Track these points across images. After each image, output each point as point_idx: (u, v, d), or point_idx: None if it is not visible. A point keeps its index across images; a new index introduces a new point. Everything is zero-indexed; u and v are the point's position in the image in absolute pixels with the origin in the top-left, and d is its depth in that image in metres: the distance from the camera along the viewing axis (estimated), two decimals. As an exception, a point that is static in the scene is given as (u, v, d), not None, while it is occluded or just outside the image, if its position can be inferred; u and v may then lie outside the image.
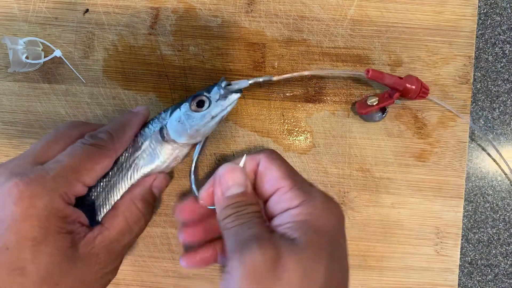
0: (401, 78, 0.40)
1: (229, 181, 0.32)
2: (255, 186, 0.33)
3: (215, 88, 0.36)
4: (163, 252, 0.43)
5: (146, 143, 0.36)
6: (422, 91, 0.40)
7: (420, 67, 0.43)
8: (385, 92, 0.41)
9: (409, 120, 0.43)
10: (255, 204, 0.31)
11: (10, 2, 0.43)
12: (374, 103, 0.40)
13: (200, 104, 0.36)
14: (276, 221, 0.30)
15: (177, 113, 0.36)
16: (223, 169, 0.33)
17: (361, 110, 0.41)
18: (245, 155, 0.34)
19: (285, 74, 0.39)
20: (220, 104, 0.36)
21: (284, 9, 0.44)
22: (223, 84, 0.36)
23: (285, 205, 0.30)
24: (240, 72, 0.44)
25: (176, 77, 0.43)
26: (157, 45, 0.44)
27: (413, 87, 0.39)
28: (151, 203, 0.35)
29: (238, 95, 0.36)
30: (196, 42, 0.44)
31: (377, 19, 0.44)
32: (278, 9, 0.44)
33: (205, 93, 0.36)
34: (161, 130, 0.36)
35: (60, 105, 0.43)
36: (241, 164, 0.33)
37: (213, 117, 0.36)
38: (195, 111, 0.35)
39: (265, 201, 0.33)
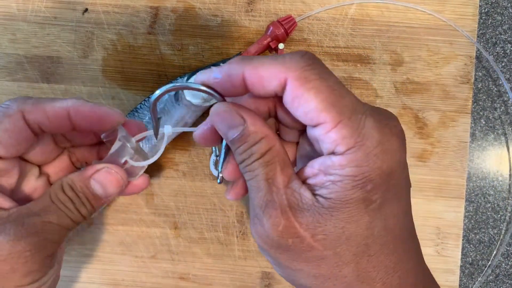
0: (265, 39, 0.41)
1: (221, 127, 0.25)
2: (278, 114, 0.27)
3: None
4: (162, 253, 0.43)
5: (161, 106, 0.40)
6: (288, 25, 0.41)
7: (421, 66, 0.43)
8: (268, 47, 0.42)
9: (409, 120, 0.43)
10: (260, 140, 0.24)
11: (9, 2, 0.43)
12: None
13: None
14: (315, 164, 0.24)
15: (194, 78, 0.38)
16: (210, 117, 0.26)
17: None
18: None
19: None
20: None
21: (284, 8, 0.43)
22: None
23: (330, 146, 0.23)
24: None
25: (176, 77, 0.43)
26: (156, 45, 0.43)
27: (280, 31, 0.40)
28: (87, 196, 0.28)
29: None
30: (195, 42, 0.43)
31: (378, 18, 0.43)
32: (278, 8, 0.44)
33: (221, 64, 0.37)
34: (176, 93, 0.39)
35: (59, 105, 0.43)
36: (212, 76, 0.26)
37: None
38: None
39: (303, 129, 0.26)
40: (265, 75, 0.23)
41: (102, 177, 0.28)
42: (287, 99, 0.24)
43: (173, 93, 0.40)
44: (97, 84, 0.43)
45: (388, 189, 0.23)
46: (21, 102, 0.28)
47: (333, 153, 0.23)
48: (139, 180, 0.31)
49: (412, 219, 0.26)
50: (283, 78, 0.23)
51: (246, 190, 0.28)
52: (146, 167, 0.31)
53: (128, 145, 0.29)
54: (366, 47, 0.43)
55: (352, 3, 0.43)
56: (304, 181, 0.25)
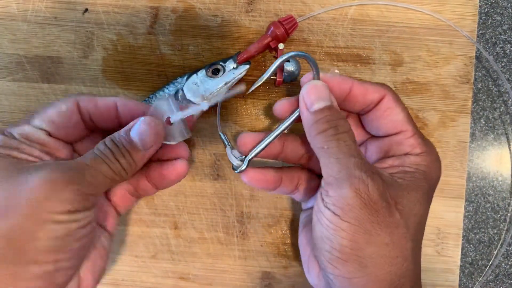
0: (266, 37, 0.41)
1: (312, 96, 0.30)
2: (366, 117, 0.34)
3: (230, 59, 0.41)
4: (162, 252, 0.43)
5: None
6: (289, 25, 0.41)
7: (421, 66, 0.43)
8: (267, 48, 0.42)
9: (409, 120, 0.43)
10: (343, 118, 0.30)
11: (9, 2, 0.43)
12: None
13: (215, 72, 0.40)
14: (389, 161, 0.32)
15: (194, 77, 0.41)
16: (305, 87, 0.31)
17: (280, 80, 0.41)
18: (336, 71, 0.36)
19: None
20: (233, 73, 0.40)
21: (284, 8, 0.44)
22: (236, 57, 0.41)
23: (407, 149, 0.32)
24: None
25: (176, 77, 0.43)
26: (156, 45, 0.43)
27: (281, 31, 0.40)
28: (125, 146, 0.29)
29: (247, 66, 0.41)
30: (195, 42, 0.43)
31: (378, 18, 0.43)
32: (278, 8, 0.44)
33: (221, 63, 0.41)
34: (176, 93, 0.40)
35: (59, 105, 0.43)
36: (329, 76, 0.33)
37: (226, 83, 0.40)
38: (210, 77, 0.40)
39: (376, 136, 0.34)
40: (370, 89, 0.32)
41: (140, 128, 0.29)
42: (381, 108, 0.32)
43: (173, 92, 0.40)
44: (97, 84, 0.43)
45: (434, 192, 0.33)
46: (78, 94, 0.32)
47: (408, 154, 0.32)
48: (179, 165, 0.33)
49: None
50: (383, 93, 0.32)
51: (265, 178, 0.34)
52: (186, 136, 0.33)
53: (172, 103, 0.31)
54: (366, 47, 0.43)
55: (352, 4, 0.43)
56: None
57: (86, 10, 0.44)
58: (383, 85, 0.33)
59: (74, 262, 0.27)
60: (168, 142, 0.32)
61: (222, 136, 0.37)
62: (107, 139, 0.29)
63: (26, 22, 0.43)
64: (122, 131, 0.30)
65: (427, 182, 0.31)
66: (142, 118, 0.30)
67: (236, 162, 0.34)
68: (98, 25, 0.43)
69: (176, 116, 0.31)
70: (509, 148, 0.46)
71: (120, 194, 0.34)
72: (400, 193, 0.29)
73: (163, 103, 0.32)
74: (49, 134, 0.30)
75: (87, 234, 0.28)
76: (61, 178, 0.26)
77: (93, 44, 0.43)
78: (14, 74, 0.43)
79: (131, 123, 0.30)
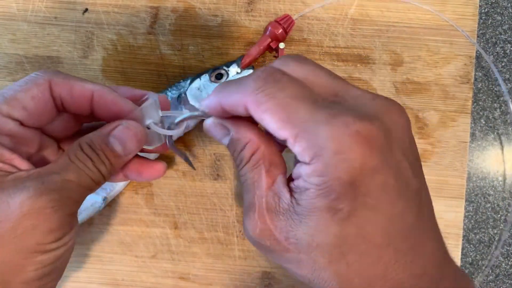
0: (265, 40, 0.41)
1: (216, 137, 0.28)
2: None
3: (234, 64, 0.40)
4: (162, 252, 0.43)
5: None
6: (287, 24, 0.41)
7: (421, 66, 0.43)
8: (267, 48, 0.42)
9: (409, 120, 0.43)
10: (244, 146, 0.26)
11: (9, 2, 0.43)
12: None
13: (219, 77, 0.40)
14: (294, 174, 0.25)
15: (197, 82, 0.40)
16: (206, 131, 0.28)
17: None
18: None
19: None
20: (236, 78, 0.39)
21: (284, 8, 0.43)
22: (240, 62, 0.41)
23: (298, 157, 0.24)
24: (240, 71, 0.43)
25: (176, 77, 0.43)
26: (156, 45, 0.43)
27: (279, 31, 0.40)
28: (105, 153, 0.27)
29: (251, 70, 0.40)
30: (195, 42, 0.43)
31: (378, 18, 0.43)
32: (278, 8, 0.44)
33: (224, 67, 0.40)
34: (179, 96, 0.40)
35: (59, 105, 0.43)
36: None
37: None
38: (214, 82, 0.40)
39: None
40: (233, 103, 0.25)
41: (121, 133, 0.28)
42: (254, 118, 0.24)
43: (176, 95, 0.40)
44: (97, 84, 0.43)
45: (356, 198, 0.22)
46: (51, 73, 0.28)
47: (300, 163, 0.23)
48: (158, 166, 0.32)
49: (421, 221, 0.24)
50: (243, 105, 0.24)
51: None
52: (163, 140, 0.31)
53: (155, 108, 0.29)
54: (366, 47, 0.43)
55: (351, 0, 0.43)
56: (291, 181, 0.25)
57: (86, 10, 0.44)
58: (242, 85, 0.25)
59: (58, 276, 0.27)
60: (145, 146, 0.31)
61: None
62: (84, 145, 0.27)
63: (26, 22, 0.43)
64: (100, 135, 0.28)
65: (325, 198, 0.22)
66: (124, 122, 0.28)
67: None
68: (98, 25, 0.43)
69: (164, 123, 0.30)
70: (504, 148, 0.46)
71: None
72: (293, 223, 0.23)
73: (150, 107, 0.30)
74: (21, 123, 0.27)
75: (71, 251, 0.27)
76: (47, 204, 0.24)
77: (93, 44, 0.43)
78: (14, 74, 0.43)
79: (110, 126, 0.28)
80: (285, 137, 0.23)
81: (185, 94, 0.40)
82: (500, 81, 0.45)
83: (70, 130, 0.32)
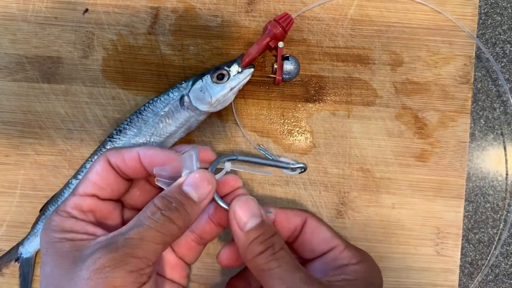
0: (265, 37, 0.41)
1: (244, 215, 0.30)
2: (296, 243, 0.35)
3: (235, 64, 0.40)
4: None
5: (166, 109, 0.40)
6: (286, 23, 0.41)
7: (421, 66, 0.43)
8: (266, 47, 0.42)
9: (409, 120, 0.43)
10: (275, 234, 0.30)
11: (9, 2, 0.43)
12: (275, 65, 0.41)
13: (220, 77, 0.40)
14: (330, 272, 0.33)
15: (200, 83, 0.40)
16: (236, 203, 0.30)
17: (279, 78, 0.41)
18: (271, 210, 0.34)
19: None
20: (237, 78, 0.40)
21: (284, 8, 0.44)
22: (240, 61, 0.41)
23: (344, 261, 0.33)
24: (240, 72, 0.43)
25: (176, 77, 0.43)
26: (156, 45, 0.43)
27: (278, 30, 0.40)
28: (179, 201, 0.29)
29: (252, 69, 0.40)
30: (196, 42, 0.43)
31: (377, 18, 0.44)
32: (278, 9, 0.44)
33: (225, 67, 0.40)
34: (181, 98, 0.40)
35: (60, 105, 0.43)
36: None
37: (231, 89, 0.40)
38: (216, 83, 0.40)
39: (318, 256, 0.35)
40: (291, 214, 0.34)
41: (194, 179, 0.29)
42: (307, 231, 0.34)
43: (178, 97, 0.40)
44: (97, 84, 0.43)
45: None
46: (107, 152, 0.32)
47: (346, 265, 0.33)
48: (232, 181, 0.34)
49: None
50: (304, 216, 0.34)
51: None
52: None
53: (195, 157, 0.31)
54: (365, 47, 0.43)
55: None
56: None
57: (86, 10, 0.44)
58: (301, 210, 0.35)
59: None
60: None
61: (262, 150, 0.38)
62: (157, 198, 0.29)
63: (26, 22, 0.43)
64: (174, 186, 0.30)
65: (367, 286, 0.32)
66: (196, 172, 0.30)
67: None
68: (98, 25, 0.43)
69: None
70: (506, 148, 0.46)
71: (185, 245, 0.33)
72: None
73: (188, 158, 0.31)
74: (98, 197, 0.31)
75: None
76: (105, 263, 0.26)
77: (93, 44, 0.43)
78: (14, 74, 0.43)
79: (181, 179, 0.30)
80: (337, 244, 0.34)
81: (188, 96, 0.40)
82: (500, 76, 0.45)
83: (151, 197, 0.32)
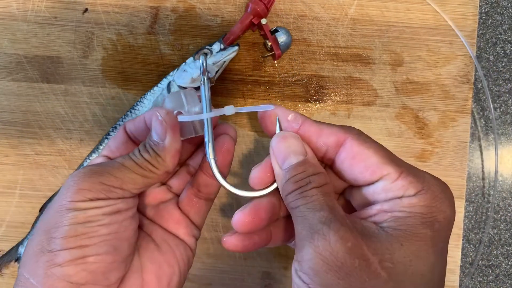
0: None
1: (283, 151, 0.28)
2: (335, 168, 0.29)
3: (217, 42, 0.41)
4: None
5: (155, 99, 0.41)
6: (267, 1, 0.41)
7: (421, 66, 0.43)
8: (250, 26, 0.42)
9: (410, 120, 0.43)
10: (318, 173, 0.27)
11: (9, 2, 0.43)
12: (268, 42, 0.41)
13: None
14: (377, 206, 0.26)
15: (183, 65, 0.41)
16: (275, 139, 0.28)
17: (279, 52, 0.41)
18: (292, 114, 0.29)
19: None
20: (220, 54, 0.41)
21: (284, 8, 0.43)
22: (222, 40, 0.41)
23: (398, 193, 0.26)
24: (240, 71, 0.43)
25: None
26: (156, 45, 0.43)
27: (261, 7, 0.41)
28: (148, 144, 0.30)
29: (236, 47, 0.41)
30: (195, 42, 0.43)
31: (378, 18, 0.43)
32: (278, 8, 0.44)
33: (207, 47, 0.41)
34: (168, 85, 0.41)
35: (59, 105, 0.43)
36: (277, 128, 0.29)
37: (214, 63, 0.40)
38: (197, 59, 0.40)
39: (356, 186, 0.29)
40: (326, 130, 0.28)
41: (152, 123, 0.30)
42: (346, 156, 0.27)
43: (165, 87, 0.41)
44: (97, 84, 0.43)
45: (447, 238, 0.26)
46: (127, 122, 0.33)
47: (400, 198, 0.25)
48: (224, 141, 0.32)
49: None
50: (342, 137, 0.27)
51: (251, 243, 0.30)
52: (200, 132, 0.32)
53: (184, 98, 0.31)
54: (366, 47, 0.43)
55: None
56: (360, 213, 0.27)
57: (86, 10, 0.43)
58: (345, 127, 0.28)
59: (107, 249, 0.27)
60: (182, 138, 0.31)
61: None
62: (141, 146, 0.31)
63: (26, 22, 0.43)
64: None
65: (430, 227, 0.24)
66: (154, 112, 0.30)
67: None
68: (98, 25, 0.43)
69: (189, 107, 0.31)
70: (502, 149, 0.46)
71: (187, 198, 0.33)
72: (389, 246, 0.23)
73: (175, 97, 0.31)
74: (108, 157, 0.32)
75: (116, 221, 0.28)
76: (85, 173, 0.28)
77: (93, 44, 0.43)
78: (14, 74, 0.43)
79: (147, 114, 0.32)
80: (388, 171, 0.26)
81: (174, 80, 0.41)
82: (485, 87, 0.45)
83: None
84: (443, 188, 0.26)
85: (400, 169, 0.26)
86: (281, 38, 0.41)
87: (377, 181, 0.27)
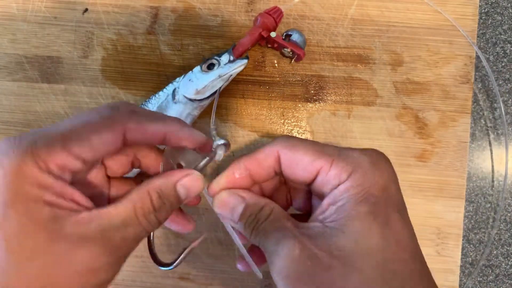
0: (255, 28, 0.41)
1: (227, 211, 0.30)
2: (286, 175, 0.30)
3: (225, 53, 0.41)
4: (163, 252, 0.43)
5: (159, 104, 0.40)
6: (276, 15, 0.41)
7: (421, 66, 0.43)
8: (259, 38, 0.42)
9: (410, 120, 0.43)
10: (262, 208, 0.29)
11: (9, 2, 0.43)
12: (287, 50, 0.42)
13: (211, 67, 0.40)
14: (325, 203, 0.27)
15: (189, 74, 0.41)
16: (215, 206, 0.30)
17: (302, 51, 0.42)
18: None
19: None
20: (228, 66, 0.40)
21: (284, 8, 0.43)
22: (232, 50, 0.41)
23: (334, 182, 0.27)
24: (240, 71, 0.43)
25: (176, 77, 0.43)
26: (156, 45, 0.43)
27: (270, 20, 0.41)
28: (170, 201, 0.29)
29: (245, 60, 0.40)
30: (195, 42, 0.43)
31: (378, 18, 0.43)
32: (278, 9, 0.44)
33: (216, 57, 0.40)
34: (173, 91, 0.40)
35: (59, 105, 0.43)
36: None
37: (220, 76, 0.40)
38: (204, 71, 0.40)
39: (309, 183, 0.29)
40: (262, 157, 0.29)
41: (190, 182, 0.29)
42: (285, 167, 0.29)
43: (171, 92, 0.40)
44: (97, 84, 0.43)
45: (388, 204, 0.26)
46: (127, 116, 0.27)
47: (337, 187, 0.26)
48: (190, 224, 0.35)
49: (418, 244, 0.27)
50: (275, 153, 0.29)
51: (258, 260, 0.32)
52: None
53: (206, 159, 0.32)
54: (366, 47, 0.43)
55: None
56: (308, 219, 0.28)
57: (86, 10, 0.43)
58: (274, 141, 0.29)
59: None
60: None
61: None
62: (154, 195, 0.28)
63: (26, 22, 0.43)
64: (168, 186, 0.29)
65: (365, 203, 0.25)
66: (196, 173, 0.29)
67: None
68: (98, 25, 0.43)
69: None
70: (502, 149, 0.46)
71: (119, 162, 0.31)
72: (334, 237, 0.25)
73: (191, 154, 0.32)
74: (84, 161, 0.27)
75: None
76: (103, 266, 0.26)
77: (93, 44, 0.43)
78: (14, 74, 0.43)
79: (178, 175, 0.29)
80: (320, 165, 0.27)
81: (179, 88, 0.40)
82: (493, 82, 0.45)
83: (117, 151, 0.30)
84: (373, 160, 0.27)
85: (331, 159, 0.27)
86: (298, 38, 0.42)
87: (315, 178, 0.28)
